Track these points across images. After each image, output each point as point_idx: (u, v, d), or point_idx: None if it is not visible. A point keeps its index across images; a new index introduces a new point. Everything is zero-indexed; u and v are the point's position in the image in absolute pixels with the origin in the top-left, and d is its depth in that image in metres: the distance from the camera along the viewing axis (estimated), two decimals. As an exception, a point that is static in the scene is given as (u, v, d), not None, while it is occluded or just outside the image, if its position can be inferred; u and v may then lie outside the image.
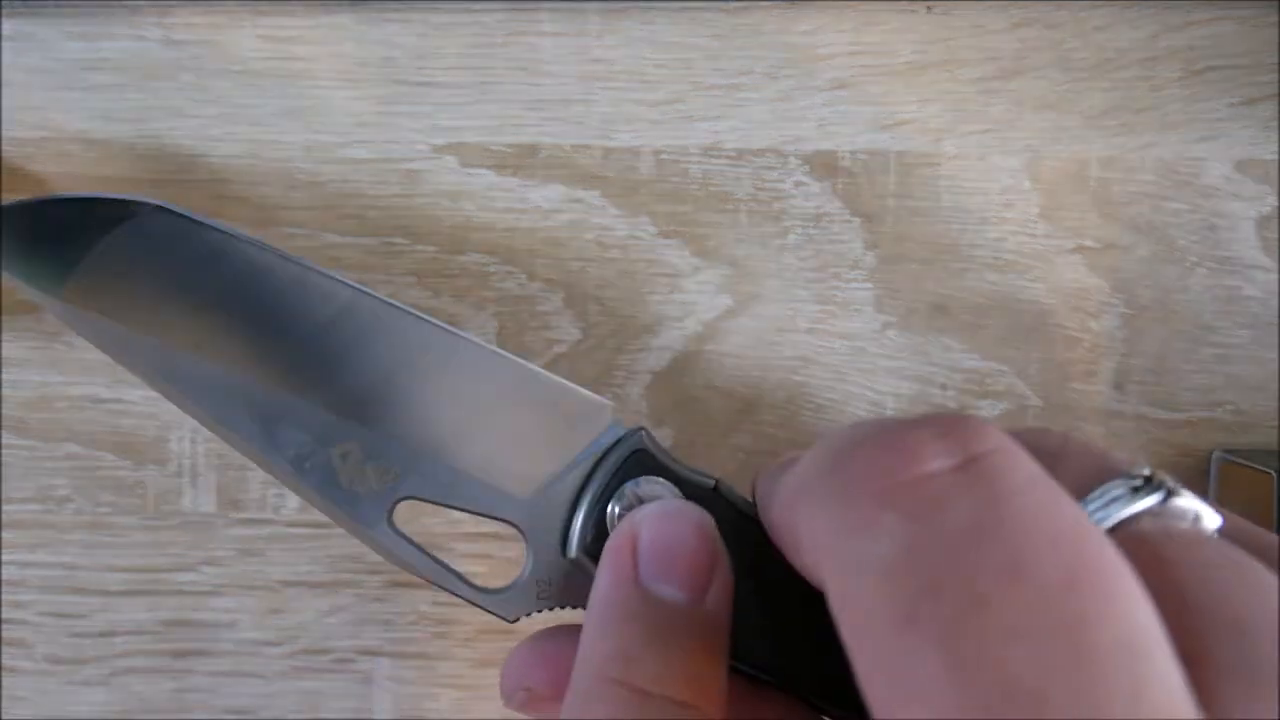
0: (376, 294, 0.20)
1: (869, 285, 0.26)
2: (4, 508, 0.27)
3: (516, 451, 0.19)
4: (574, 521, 0.19)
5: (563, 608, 0.19)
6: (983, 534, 0.12)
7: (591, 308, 0.26)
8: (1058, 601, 0.12)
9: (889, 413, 0.26)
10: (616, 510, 0.19)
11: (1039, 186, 0.26)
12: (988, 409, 0.26)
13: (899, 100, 0.25)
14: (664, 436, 0.26)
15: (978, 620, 0.12)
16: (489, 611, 0.19)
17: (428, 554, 0.19)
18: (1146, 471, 0.15)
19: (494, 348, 0.20)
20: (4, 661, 0.27)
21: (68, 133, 0.26)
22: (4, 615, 0.27)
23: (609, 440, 0.19)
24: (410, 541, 0.19)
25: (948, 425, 0.14)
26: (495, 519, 0.19)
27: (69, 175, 0.26)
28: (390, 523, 0.19)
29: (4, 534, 0.27)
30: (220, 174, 0.26)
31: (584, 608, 0.19)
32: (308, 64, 0.25)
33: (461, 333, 0.20)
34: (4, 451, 0.27)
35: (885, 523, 0.13)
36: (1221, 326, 0.26)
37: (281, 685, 0.27)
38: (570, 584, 0.19)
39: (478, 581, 0.19)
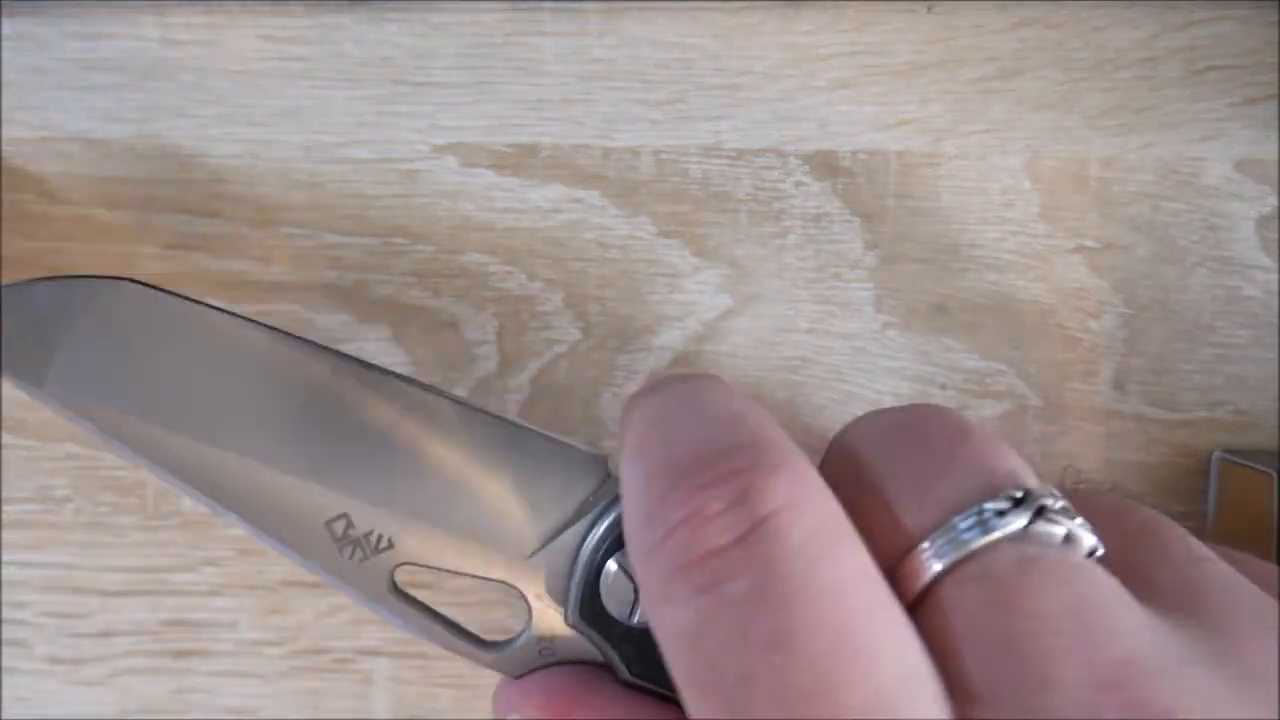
0: (356, 358, 0.19)
1: (869, 285, 0.26)
2: (4, 508, 0.27)
3: (511, 512, 0.19)
4: (572, 583, 0.18)
5: (564, 664, 0.19)
6: (754, 609, 0.13)
7: (591, 308, 0.26)
8: (818, 668, 0.12)
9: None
10: (614, 569, 0.18)
11: (1039, 186, 0.26)
12: (988, 409, 0.26)
13: (899, 100, 0.25)
14: (664, 436, 0.26)
15: (746, 696, 0.13)
16: (496, 669, 0.19)
17: (439, 616, 0.19)
18: (1018, 493, 0.14)
19: (479, 406, 0.19)
20: (4, 661, 0.27)
21: (68, 133, 0.26)
22: (4, 615, 0.27)
23: (605, 496, 0.19)
24: (417, 605, 0.19)
25: (738, 482, 0.14)
26: (495, 581, 0.19)
27: (69, 175, 0.26)
28: (393, 590, 0.19)
29: (4, 534, 0.27)
30: (220, 174, 0.26)
31: (587, 662, 0.19)
32: (308, 64, 0.25)
33: (447, 393, 0.19)
34: (4, 451, 0.27)
35: (679, 596, 0.14)
36: (1221, 326, 0.26)
37: (281, 685, 0.27)
38: (572, 643, 0.19)
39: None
